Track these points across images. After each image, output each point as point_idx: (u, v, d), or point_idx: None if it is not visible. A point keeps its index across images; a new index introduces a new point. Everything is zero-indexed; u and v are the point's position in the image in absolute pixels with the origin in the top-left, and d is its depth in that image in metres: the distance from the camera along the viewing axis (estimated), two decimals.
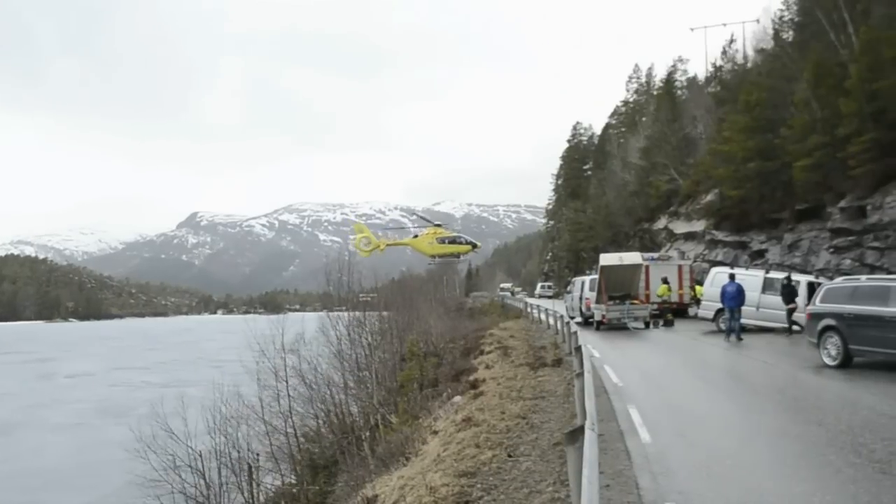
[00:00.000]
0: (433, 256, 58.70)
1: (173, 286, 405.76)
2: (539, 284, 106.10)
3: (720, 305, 29.22)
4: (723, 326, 28.17)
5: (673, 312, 40.26)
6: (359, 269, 49.56)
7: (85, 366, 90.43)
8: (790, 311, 28.47)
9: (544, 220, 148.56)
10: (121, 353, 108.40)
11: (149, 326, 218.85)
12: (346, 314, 44.10)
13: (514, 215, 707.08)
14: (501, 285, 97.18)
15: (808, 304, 21.87)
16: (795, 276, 30.32)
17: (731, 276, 28.86)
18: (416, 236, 58.43)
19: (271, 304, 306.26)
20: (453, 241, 56.58)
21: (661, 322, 34.63)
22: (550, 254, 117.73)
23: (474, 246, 58.30)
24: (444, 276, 79.57)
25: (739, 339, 26.78)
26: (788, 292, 28.71)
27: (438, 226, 58.10)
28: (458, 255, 59.59)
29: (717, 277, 31.50)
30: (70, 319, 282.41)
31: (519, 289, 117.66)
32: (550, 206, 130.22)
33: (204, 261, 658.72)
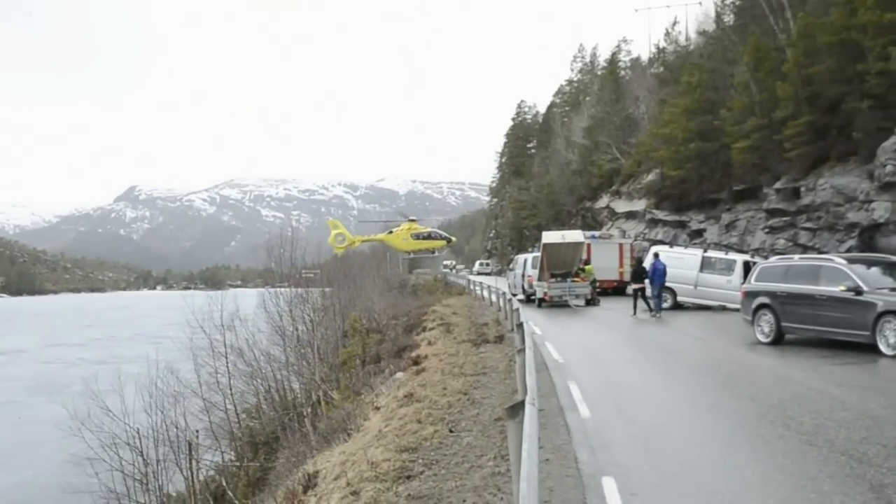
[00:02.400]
0: (408, 252, 59.00)
1: (111, 261, 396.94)
2: (477, 262, 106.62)
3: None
4: (655, 303, 28.69)
5: (613, 290, 40.88)
6: (302, 245, 49.23)
7: (17, 342, 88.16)
8: (637, 291, 29.12)
9: (488, 198, 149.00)
10: (55, 330, 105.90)
11: (85, 302, 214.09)
12: (288, 290, 43.77)
13: (457, 192, 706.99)
14: (444, 262, 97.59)
15: (743, 283, 22.38)
16: (732, 255, 31.01)
17: (656, 255, 29.48)
18: (390, 232, 58.32)
19: (212, 279, 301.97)
20: (427, 236, 56.74)
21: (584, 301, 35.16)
22: (494, 231, 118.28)
23: (449, 240, 58.67)
24: (387, 252, 79.28)
25: (655, 315, 27.39)
26: (638, 272, 29.40)
27: (412, 221, 57.92)
28: (433, 251, 60.00)
29: (653, 256, 32.12)
30: (1, 295, 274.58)
31: (462, 266, 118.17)
32: (494, 184, 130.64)
33: (143, 235, 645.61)
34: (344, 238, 54.85)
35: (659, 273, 28.26)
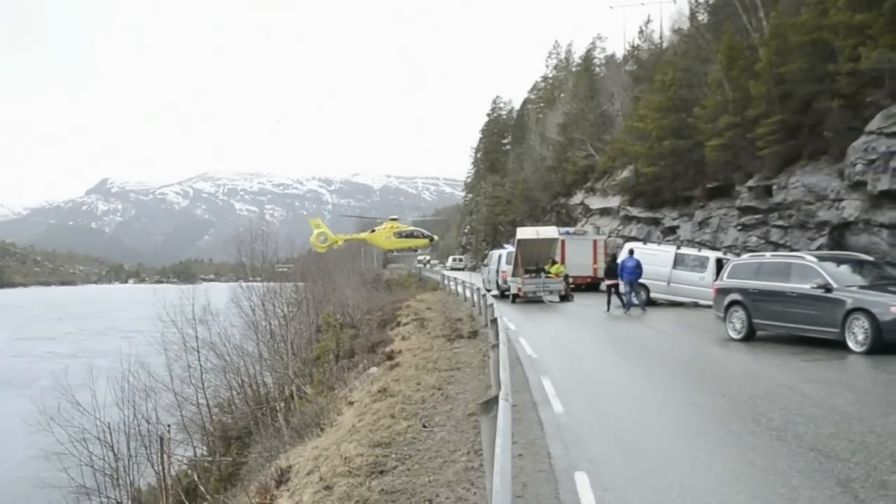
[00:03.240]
0: (391, 251, 58.94)
1: (82, 254, 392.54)
2: (451, 257, 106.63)
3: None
4: (626, 299, 28.84)
5: (587, 286, 41.03)
6: (275, 239, 49.03)
7: None
8: (611, 287, 29.41)
9: (463, 194, 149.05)
10: (25, 323, 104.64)
11: (55, 295, 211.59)
12: (261, 284, 43.57)
13: (432, 188, 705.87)
14: (418, 258, 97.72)
15: (715, 279, 22.56)
16: (705, 252, 31.22)
17: (631, 251, 29.66)
18: (373, 230, 58.23)
19: (184, 273, 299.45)
20: (410, 234, 56.66)
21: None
22: (468, 227, 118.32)
23: (431, 239, 58.64)
24: (361, 247, 79.11)
25: (643, 310, 27.63)
26: (612, 268, 29.68)
27: (394, 220, 57.84)
28: (415, 249, 60.04)
29: (626, 253, 32.27)
30: None
31: (436, 261, 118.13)
32: (469, 180, 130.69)
33: (115, 229, 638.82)
34: (326, 237, 54.54)
35: (628, 270, 28.41)
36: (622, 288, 29.01)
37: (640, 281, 29.00)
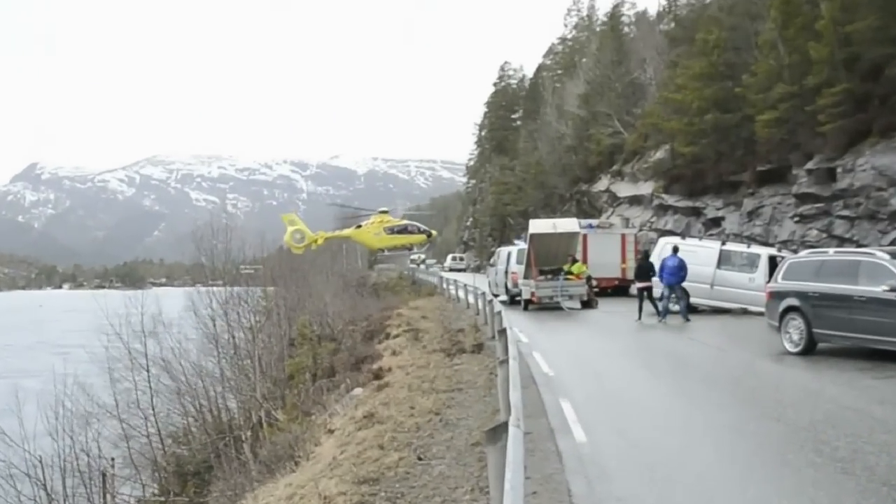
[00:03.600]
0: (381, 250, 58.68)
1: (6, 254, 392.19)
2: (449, 256, 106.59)
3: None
4: (672, 306, 28.81)
5: (614, 290, 41.04)
6: (240, 234, 49.06)
7: None
8: (643, 291, 29.48)
9: (464, 179, 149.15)
10: None
11: None
12: (223, 289, 43.58)
13: (428, 172, 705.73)
14: (412, 257, 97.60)
15: (768, 281, 22.53)
16: (755, 249, 31.24)
17: (675, 249, 29.54)
18: (359, 226, 57.96)
19: (131, 276, 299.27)
20: (403, 230, 56.31)
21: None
22: (471, 219, 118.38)
23: (429, 235, 58.34)
24: (343, 245, 79.05)
25: (686, 319, 27.62)
26: (643, 268, 29.71)
27: (384, 212, 57.67)
28: (410, 247, 59.80)
29: (667, 249, 32.15)
30: None
31: (432, 261, 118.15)
32: (472, 163, 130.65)
33: (46, 223, 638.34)
34: (303, 236, 54.05)
35: (669, 270, 28.41)
36: (657, 292, 29.03)
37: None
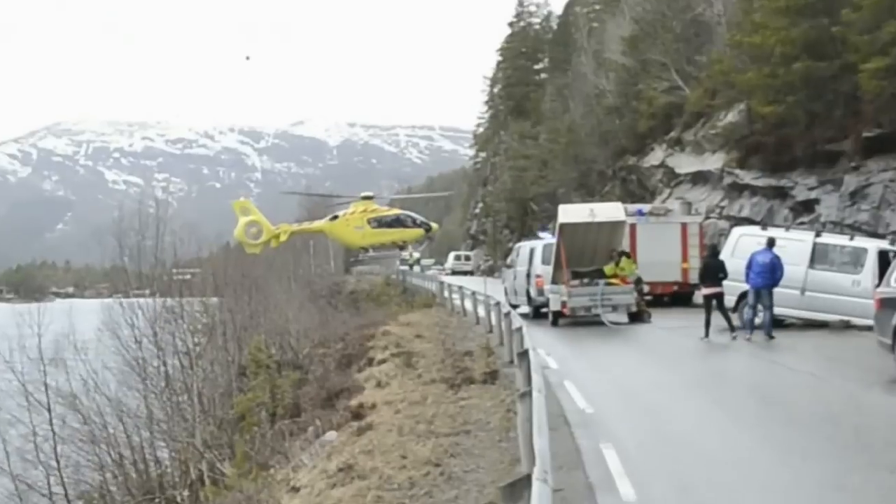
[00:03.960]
0: (363, 249, 58.59)
1: None
2: (452, 255, 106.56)
3: (746, 286, 29.74)
4: (747, 315, 28.71)
5: (672, 297, 41.00)
6: (172, 226, 49.04)
7: None
8: (711, 299, 29.24)
9: (471, 152, 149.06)
10: None
11: None
12: (150, 301, 43.59)
13: (423, 143, 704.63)
14: (402, 255, 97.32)
15: (878, 285, 22.48)
16: (860, 241, 31.15)
17: (770, 242, 29.25)
18: (334, 217, 57.77)
19: (26, 285, 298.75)
20: (394, 222, 56.08)
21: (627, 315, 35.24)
22: (481, 205, 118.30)
23: (428, 229, 58.18)
24: (311, 241, 79.23)
25: (770, 336, 27.52)
26: (712, 268, 29.50)
27: (368, 198, 57.48)
28: (402, 245, 59.72)
29: (743, 243, 31.99)
30: None
31: (430, 260, 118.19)
32: (481, 130, 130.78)
33: None
34: (260, 230, 53.61)
35: (759, 269, 28.24)
36: (729, 300, 28.96)
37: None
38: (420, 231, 57.17)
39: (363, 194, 57.53)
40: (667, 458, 14.17)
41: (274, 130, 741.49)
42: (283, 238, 54.32)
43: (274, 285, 54.64)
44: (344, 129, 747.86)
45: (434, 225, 61.62)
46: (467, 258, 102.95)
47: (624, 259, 35.56)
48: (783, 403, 18.39)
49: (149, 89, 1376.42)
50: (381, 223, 54.58)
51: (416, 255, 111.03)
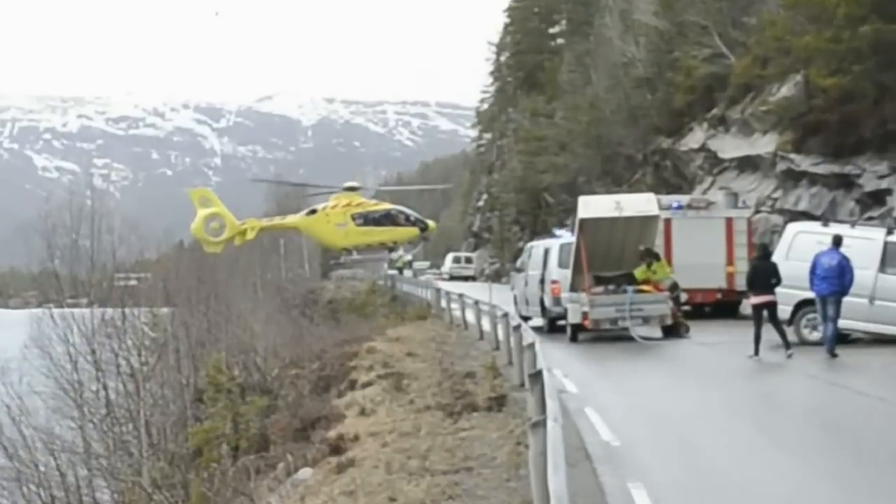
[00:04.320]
0: (346, 250, 58.47)
1: None
2: (450, 256, 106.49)
3: (804, 294, 29.76)
4: (807, 333, 28.75)
5: (715, 307, 41.03)
6: (113, 222, 49.01)
7: None
8: (761, 310, 29.10)
9: (473, 132, 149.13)
10: None
11: None
12: (88, 312, 43.55)
13: (415, 122, 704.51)
14: (391, 256, 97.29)
15: None
16: None
17: (837, 240, 29.21)
18: (312, 211, 57.68)
19: None
20: (384, 219, 55.99)
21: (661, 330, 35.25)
22: (485, 196, 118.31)
23: (424, 227, 58.12)
24: (281, 240, 79.37)
25: (833, 354, 27.52)
26: (763, 271, 29.39)
27: (353, 190, 57.39)
28: (392, 246, 59.66)
29: (800, 242, 31.97)
30: None
31: (424, 263, 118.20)
32: (485, 106, 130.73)
33: None
34: (223, 225, 53.40)
35: (825, 273, 28.21)
36: (783, 310, 28.99)
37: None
38: (414, 230, 57.10)
39: (347, 184, 57.51)
40: (707, 499, 14.20)
41: (237, 107, 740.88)
42: (249, 235, 54.14)
43: (237, 293, 54.77)
44: (320, 105, 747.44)
45: (431, 223, 61.59)
46: (468, 260, 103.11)
47: (653, 266, 35.40)
48: (847, 434, 18.40)
49: (86, 59, 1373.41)
50: (368, 220, 54.49)
51: (408, 257, 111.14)
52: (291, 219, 59.31)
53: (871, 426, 19.10)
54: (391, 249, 61.40)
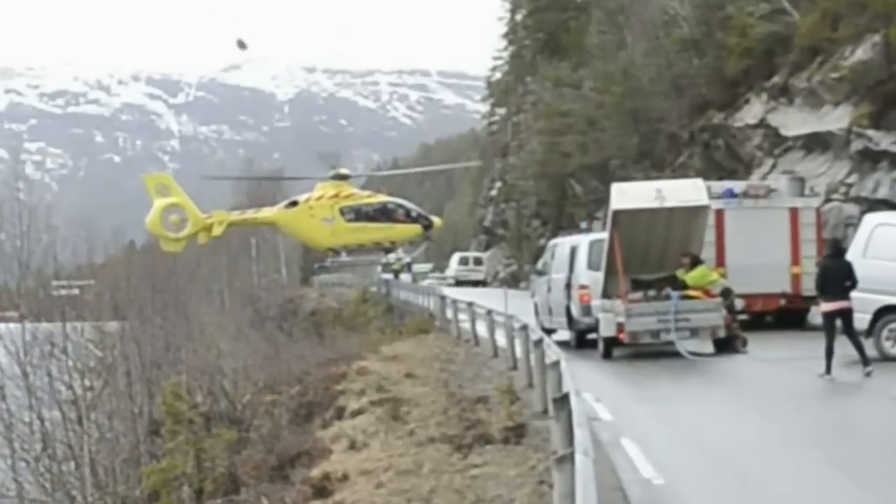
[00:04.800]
0: (333, 251, 58.36)
1: None
2: (455, 257, 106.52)
3: (885, 300, 29.76)
4: (889, 346, 28.74)
5: (778, 315, 41.01)
6: (50, 219, 49.08)
7: None
8: (834, 318, 28.98)
9: (484, 108, 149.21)
10: None
11: None
12: (18, 328, 43.62)
13: (414, 95, 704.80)
14: (388, 257, 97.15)
15: None
16: None
17: None
18: (292, 203, 57.65)
19: None
20: (380, 213, 55.88)
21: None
22: (499, 184, 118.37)
23: (427, 224, 58.09)
24: (252, 237, 79.51)
25: (867, 373, 27.60)
26: (836, 271, 29.30)
27: (342, 178, 57.32)
28: (389, 247, 59.59)
29: (880, 236, 31.96)
30: None
31: (426, 266, 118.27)
32: (498, 76, 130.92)
33: None
34: (185, 218, 53.22)
35: None
36: (861, 318, 29.00)
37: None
38: (415, 228, 56.98)
39: (334, 171, 57.45)
40: None
41: (197, 79, 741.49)
42: (216, 231, 54.10)
43: (200, 303, 54.86)
44: (299, 75, 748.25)
45: (436, 220, 61.54)
46: (478, 262, 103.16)
47: (701, 268, 35.21)
48: None
49: (15, 24, 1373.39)
50: (360, 215, 54.37)
51: (407, 259, 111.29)
52: (267, 212, 59.22)
53: None
54: (388, 250, 61.41)
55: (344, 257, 59.92)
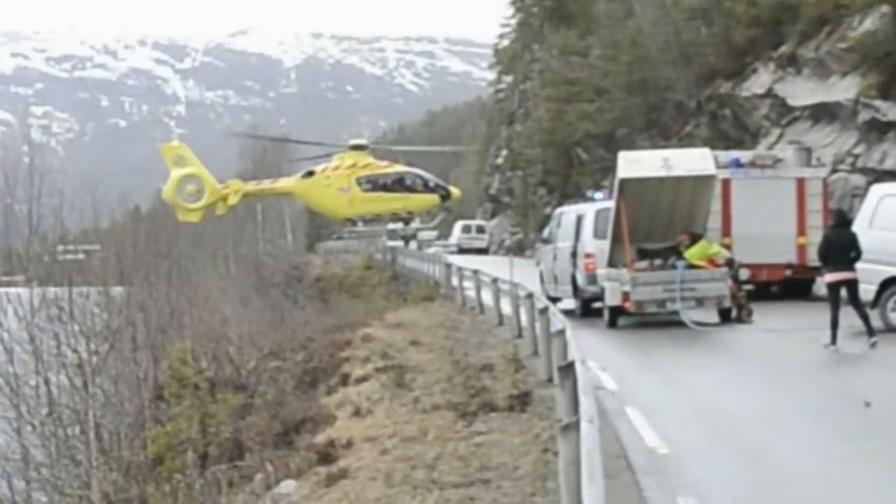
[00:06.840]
0: (350, 221, 58.19)
1: None
2: (458, 225, 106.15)
3: (891, 270, 29.71)
4: (895, 317, 28.71)
5: (784, 286, 40.96)
6: (56, 184, 48.97)
7: None
8: (839, 289, 28.85)
9: (490, 75, 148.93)
10: None
11: None
12: (25, 292, 43.58)
13: (420, 62, 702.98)
14: (390, 226, 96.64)
15: None
16: None
17: None
18: (309, 173, 57.45)
19: None
20: (396, 184, 55.66)
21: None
22: (505, 152, 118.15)
23: (446, 194, 57.84)
24: (259, 207, 79.38)
25: (872, 343, 27.57)
26: (841, 245, 29.16)
27: (360, 149, 57.12)
28: (407, 218, 59.39)
29: (887, 207, 31.88)
30: None
31: (431, 233, 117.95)
32: (505, 43, 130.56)
33: None
34: (202, 188, 52.99)
35: None
36: (866, 289, 28.97)
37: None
38: (433, 198, 56.71)
39: (353, 142, 57.40)
40: None
41: (204, 44, 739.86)
42: (232, 200, 53.92)
43: (205, 269, 54.78)
44: (306, 41, 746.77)
45: (455, 190, 61.23)
46: (480, 230, 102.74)
47: (695, 247, 35.11)
48: None
49: None
50: (377, 185, 54.22)
51: (414, 225, 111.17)
52: (284, 182, 59.01)
53: None
54: (406, 221, 61.19)
55: (361, 227, 59.82)
